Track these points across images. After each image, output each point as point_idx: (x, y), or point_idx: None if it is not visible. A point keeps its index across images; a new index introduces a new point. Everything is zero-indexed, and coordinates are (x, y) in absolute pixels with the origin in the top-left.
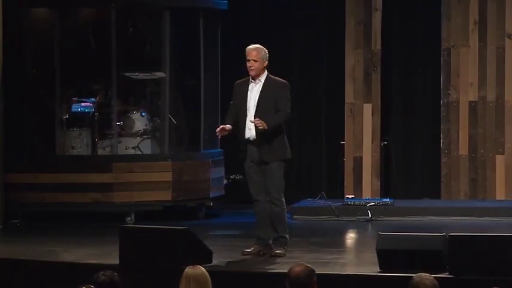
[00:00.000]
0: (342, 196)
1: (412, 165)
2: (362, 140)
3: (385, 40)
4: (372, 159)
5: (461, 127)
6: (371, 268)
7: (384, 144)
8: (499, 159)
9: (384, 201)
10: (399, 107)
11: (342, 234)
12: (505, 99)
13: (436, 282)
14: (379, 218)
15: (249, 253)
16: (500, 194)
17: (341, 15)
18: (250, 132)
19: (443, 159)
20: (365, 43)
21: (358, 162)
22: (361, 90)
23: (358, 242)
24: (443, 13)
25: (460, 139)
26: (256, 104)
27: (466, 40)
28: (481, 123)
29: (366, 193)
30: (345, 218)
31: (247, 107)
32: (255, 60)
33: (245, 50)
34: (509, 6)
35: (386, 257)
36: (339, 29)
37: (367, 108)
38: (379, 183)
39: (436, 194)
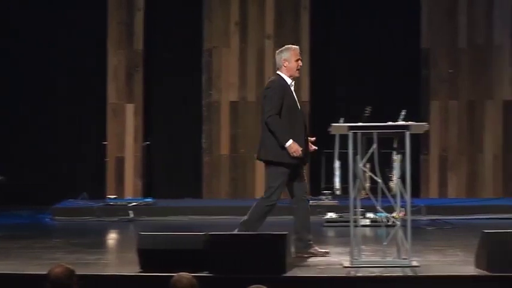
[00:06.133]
0: (104, 196)
1: (174, 165)
2: (124, 140)
3: (148, 40)
4: (135, 160)
5: (222, 127)
6: (132, 268)
7: (147, 144)
8: None
9: (146, 201)
10: (162, 107)
11: (103, 234)
12: None
13: (194, 280)
14: (141, 218)
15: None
16: (259, 193)
17: (103, 15)
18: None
19: (205, 159)
20: (127, 43)
21: (120, 162)
22: (124, 91)
23: (120, 242)
24: (204, 14)
25: (221, 139)
26: (300, 104)
27: (227, 41)
28: (241, 123)
29: (128, 193)
30: (106, 219)
31: (299, 107)
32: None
33: (295, 48)
34: (268, 8)
35: (147, 256)
36: (101, 29)
37: (130, 108)
38: (142, 183)
39: (197, 194)
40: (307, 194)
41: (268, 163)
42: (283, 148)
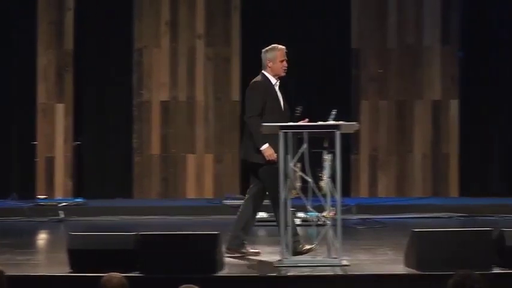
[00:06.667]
0: (35, 196)
1: (105, 165)
2: (54, 140)
3: (78, 40)
4: (65, 160)
5: (153, 127)
6: (62, 268)
7: (77, 144)
8: (190, 158)
9: (76, 201)
10: (92, 107)
11: (33, 235)
12: (196, 99)
13: (124, 280)
14: (71, 218)
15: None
16: (190, 193)
17: (32, 14)
18: None
19: (136, 159)
20: (57, 43)
21: (50, 162)
22: (54, 91)
23: (50, 242)
24: (135, 14)
25: (152, 139)
26: (284, 103)
27: (157, 41)
28: (172, 122)
29: (59, 193)
30: (36, 219)
31: (282, 107)
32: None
33: (280, 49)
34: (199, 8)
35: (78, 257)
36: (31, 29)
37: (60, 108)
38: (72, 183)
39: (128, 194)
40: (263, 198)
41: (257, 165)
42: (259, 151)
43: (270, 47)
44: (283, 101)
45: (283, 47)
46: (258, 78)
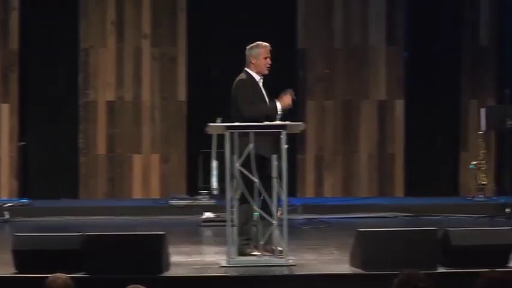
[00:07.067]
0: None
1: (51, 165)
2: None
3: (24, 39)
4: (10, 160)
5: (99, 127)
6: (7, 269)
7: (22, 144)
8: (136, 158)
9: (21, 202)
10: (38, 107)
11: None
12: (142, 99)
13: (69, 281)
14: (17, 219)
15: None
16: (136, 193)
17: None
18: None
19: (82, 159)
20: (2, 43)
21: None
22: None
23: None
24: (80, 13)
25: (98, 139)
26: (269, 100)
27: (103, 41)
28: (118, 122)
29: (4, 194)
30: None
31: (267, 103)
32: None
33: (264, 46)
34: (145, 8)
35: (23, 257)
36: None
37: (5, 108)
38: (17, 183)
39: (74, 194)
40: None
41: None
42: (266, 144)
43: (254, 44)
44: (268, 98)
45: (267, 44)
46: (242, 76)
